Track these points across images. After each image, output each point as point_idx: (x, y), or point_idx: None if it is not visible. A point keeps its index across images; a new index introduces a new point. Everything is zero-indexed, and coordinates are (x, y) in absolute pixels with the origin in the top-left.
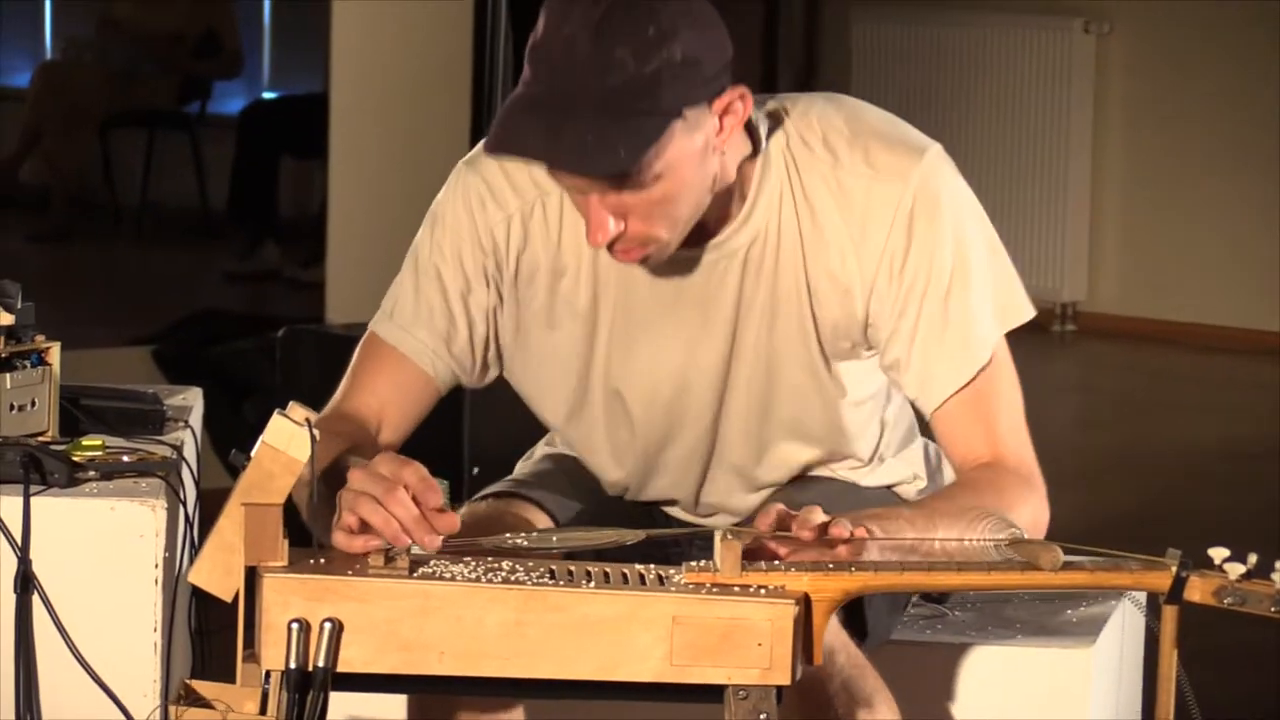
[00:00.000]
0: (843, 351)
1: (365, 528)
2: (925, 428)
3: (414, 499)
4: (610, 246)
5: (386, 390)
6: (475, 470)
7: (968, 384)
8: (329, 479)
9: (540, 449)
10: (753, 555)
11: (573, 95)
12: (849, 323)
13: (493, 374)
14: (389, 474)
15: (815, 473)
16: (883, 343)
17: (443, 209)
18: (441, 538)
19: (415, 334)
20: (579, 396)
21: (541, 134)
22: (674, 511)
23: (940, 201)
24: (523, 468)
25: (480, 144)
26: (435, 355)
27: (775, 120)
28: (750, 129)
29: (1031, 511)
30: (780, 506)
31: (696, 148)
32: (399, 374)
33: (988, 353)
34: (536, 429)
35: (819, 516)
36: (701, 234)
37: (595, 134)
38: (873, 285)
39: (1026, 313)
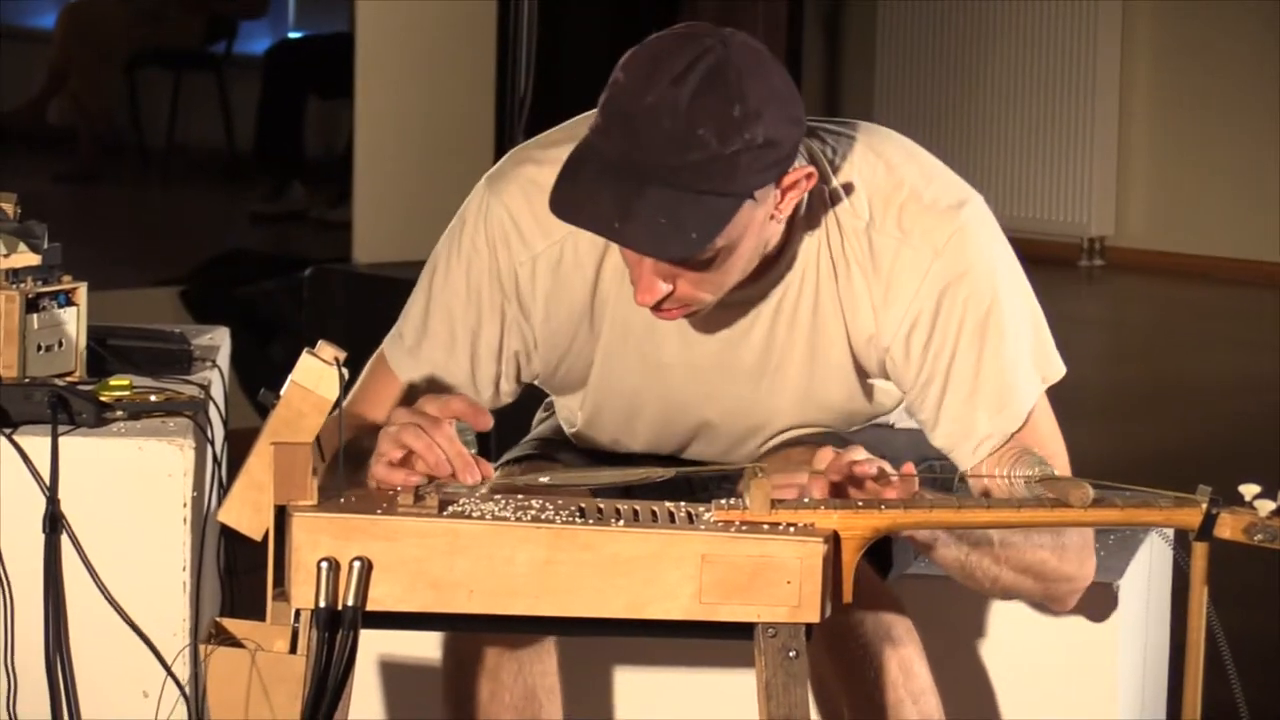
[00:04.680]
0: (878, 374)
1: (406, 461)
2: None
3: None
4: (655, 305)
5: (390, 406)
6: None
7: (1003, 445)
8: (349, 455)
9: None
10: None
11: (649, 168)
12: (875, 365)
13: (504, 400)
14: (435, 410)
15: None
16: (908, 402)
17: (464, 237)
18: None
19: (418, 362)
20: (597, 407)
21: (613, 206)
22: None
23: (971, 271)
24: (543, 421)
25: (504, 161)
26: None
27: (814, 162)
28: None
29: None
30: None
31: (757, 221)
32: (400, 397)
33: (1023, 417)
34: None
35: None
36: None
37: (668, 214)
38: (889, 348)
39: (1059, 370)
